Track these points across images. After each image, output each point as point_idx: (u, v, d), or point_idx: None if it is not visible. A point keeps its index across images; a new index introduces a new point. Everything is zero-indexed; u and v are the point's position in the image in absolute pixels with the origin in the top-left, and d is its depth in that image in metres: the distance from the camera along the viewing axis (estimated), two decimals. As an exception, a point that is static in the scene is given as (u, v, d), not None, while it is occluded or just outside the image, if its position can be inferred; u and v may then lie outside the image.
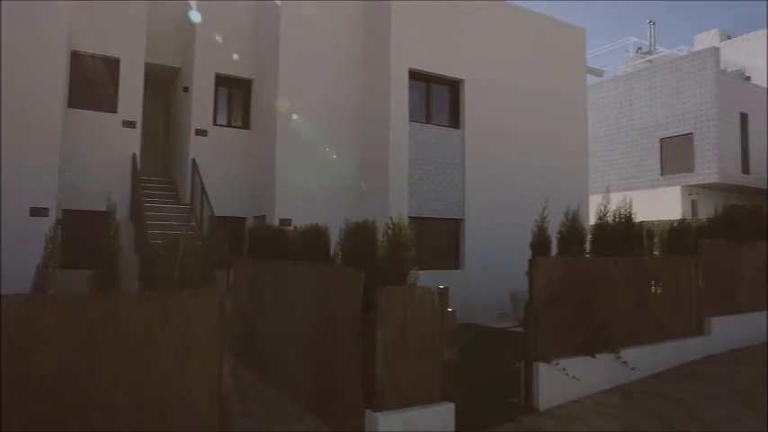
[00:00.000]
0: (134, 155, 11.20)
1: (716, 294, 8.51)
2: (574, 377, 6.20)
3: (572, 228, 6.64)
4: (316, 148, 11.41)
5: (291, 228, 8.13)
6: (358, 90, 11.92)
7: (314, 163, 11.39)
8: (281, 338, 6.74)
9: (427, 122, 12.11)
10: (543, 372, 6.08)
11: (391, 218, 5.35)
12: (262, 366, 7.22)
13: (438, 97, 12.41)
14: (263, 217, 11.45)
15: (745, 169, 21.11)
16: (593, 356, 6.51)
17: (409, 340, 4.98)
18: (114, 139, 11.10)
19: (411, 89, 11.56)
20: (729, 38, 30.99)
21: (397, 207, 10.12)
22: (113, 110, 11.21)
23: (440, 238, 11.95)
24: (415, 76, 11.68)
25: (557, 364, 6.15)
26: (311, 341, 5.93)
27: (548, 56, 14.01)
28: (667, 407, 6.06)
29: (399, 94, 11.27)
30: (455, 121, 12.45)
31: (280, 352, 6.76)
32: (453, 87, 12.49)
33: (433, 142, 11.93)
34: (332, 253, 6.12)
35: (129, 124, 11.25)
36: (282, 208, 11.00)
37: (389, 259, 5.10)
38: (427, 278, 5.47)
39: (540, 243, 6.39)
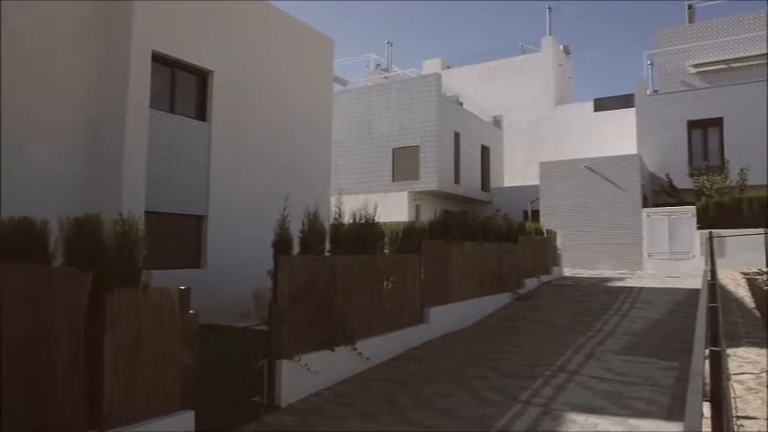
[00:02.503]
0: None
1: (434, 287, 9.79)
2: (315, 371, 6.46)
3: (313, 227, 6.90)
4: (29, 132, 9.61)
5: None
6: (90, 65, 10.42)
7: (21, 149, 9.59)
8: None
9: (171, 112, 11.28)
10: (286, 368, 6.18)
11: (120, 213, 4.82)
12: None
13: (185, 87, 11.66)
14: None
15: (457, 180, 24.84)
16: (332, 350, 6.87)
17: (145, 346, 4.55)
18: None
19: (155, 74, 10.59)
20: (449, 67, 36.15)
21: (133, 201, 9.18)
22: None
23: (181, 236, 11.26)
24: (159, 60, 10.76)
25: (299, 359, 6.33)
26: (22, 355, 4.97)
27: (299, 60, 14.36)
28: (395, 390, 6.73)
29: (140, 76, 10.21)
30: (202, 113, 11.86)
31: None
32: (202, 78, 11.89)
33: (177, 134, 11.18)
34: (51, 251, 5.23)
35: None
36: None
37: (121, 258, 4.59)
38: (167, 277, 5.09)
39: (281, 241, 6.46)
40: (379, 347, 7.99)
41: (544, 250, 16.93)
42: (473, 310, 11.17)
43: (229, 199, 11.99)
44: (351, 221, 8.00)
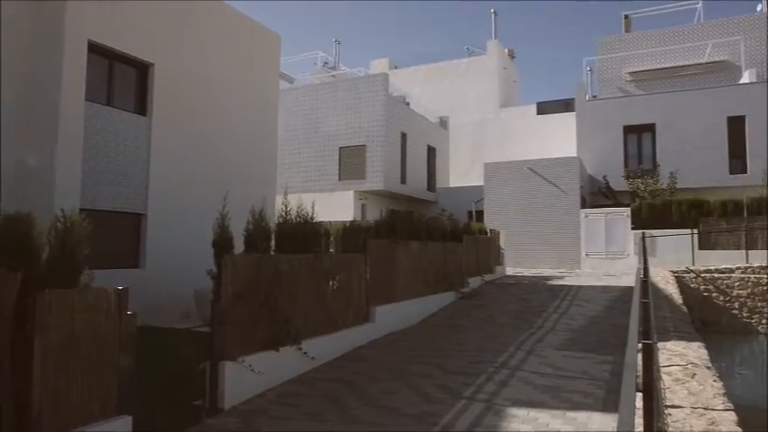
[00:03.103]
0: None
1: (380, 286, 9.83)
2: (259, 372, 6.36)
3: (258, 225, 6.79)
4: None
5: None
6: (22, 55, 9.85)
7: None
8: None
9: (108, 105, 10.81)
10: (229, 370, 6.06)
11: (63, 210, 4.60)
12: None
13: (124, 79, 11.20)
14: None
15: (403, 180, 25.02)
16: (277, 351, 6.79)
17: (78, 349, 4.35)
18: None
19: (91, 65, 10.12)
20: (396, 67, 36.37)
21: (67, 197, 8.77)
22: None
23: (118, 234, 10.81)
24: (96, 50, 10.29)
25: (242, 361, 6.21)
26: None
27: (245, 55, 14.08)
28: (340, 389, 6.71)
29: (75, 66, 9.73)
30: (142, 107, 11.42)
31: None
32: (142, 71, 11.45)
33: (115, 128, 10.73)
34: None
35: None
36: None
37: (58, 258, 4.37)
38: (103, 278, 4.88)
39: (222, 240, 6.31)
40: (324, 347, 7.95)
41: (488, 250, 17.29)
42: (418, 308, 11.29)
43: (171, 196, 11.61)
44: (297, 220, 7.92)
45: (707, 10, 38.29)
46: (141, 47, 11.17)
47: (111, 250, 10.24)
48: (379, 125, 23.18)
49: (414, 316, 11.02)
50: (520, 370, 7.48)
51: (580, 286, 15.52)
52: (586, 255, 21.55)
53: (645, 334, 3.29)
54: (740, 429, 4.57)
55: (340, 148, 23.90)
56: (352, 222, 9.84)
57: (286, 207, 7.69)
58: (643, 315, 3.67)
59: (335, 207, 22.27)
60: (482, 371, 7.43)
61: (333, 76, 31.47)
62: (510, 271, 20.03)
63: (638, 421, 3.08)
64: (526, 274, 19.67)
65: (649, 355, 2.76)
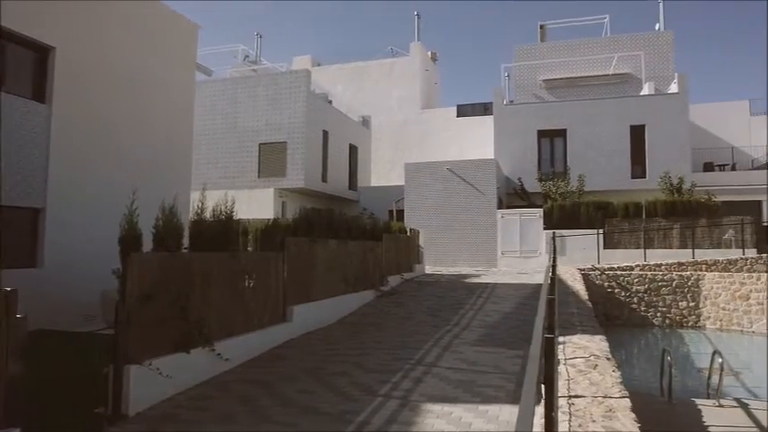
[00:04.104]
0: None
1: (298, 285, 9.69)
2: (168, 375, 6.07)
3: (169, 222, 6.49)
4: None
5: None
6: None
7: None
8: None
9: None
10: (135, 374, 5.74)
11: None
12: None
13: (19, 63, 10.34)
14: None
15: (324, 178, 24.88)
16: (188, 352, 6.51)
17: (-42, 358, 3.96)
18: None
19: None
20: (319, 65, 36.10)
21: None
22: None
23: (11, 230, 9.97)
24: (-14, 30, 9.44)
25: (150, 364, 5.90)
26: None
27: (160, 44, 13.41)
28: (255, 391, 6.54)
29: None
30: (40, 94, 10.58)
31: None
32: (41, 55, 10.62)
33: (8, 116, 9.89)
34: None
35: None
36: None
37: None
38: (-10, 279, 4.47)
39: (129, 238, 5.98)
40: (240, 347, 7.73)
41: (407, 248, 17.53)
42: (337, 307, 11.24)
43: (75, 190, 10.84)
44: (213, 217, 7.65)
45: (613, 24, 40.85)
46: (41, 29, 10.35)
47: (4, 248, 9.42)
48: (300, 122, 22.91)
49: (333, 315, 10.96)
50: (436, 366, 7.62)
51: (495, 284, 16.07)
52: (502, 253, 22.37)
53: (549, 328, 3.43)
54: (633, 414, 4.89)
55: (260, 144, 23.40)
56: (271, 220, 9.63)
57: (201, 204, 7.40)
58: (548, 310, 3.83)
59: (255, 205, 21.78)
60: (399, 368, 7.49)
61: (254, 70, 30.77)
62: (429, 269, 20.42)
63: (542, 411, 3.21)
64: (445, 272, 20.12)
65: (551, 348, 2.87)
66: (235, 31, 78.13)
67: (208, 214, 7.37)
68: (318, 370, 7.47)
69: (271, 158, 23.21)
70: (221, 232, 7.54)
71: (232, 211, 7.76)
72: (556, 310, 3.92)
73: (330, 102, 27.48)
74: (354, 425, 5.45)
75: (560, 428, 4.60)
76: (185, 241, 7.12)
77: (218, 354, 7.07)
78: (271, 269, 8.83)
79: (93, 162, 11.34)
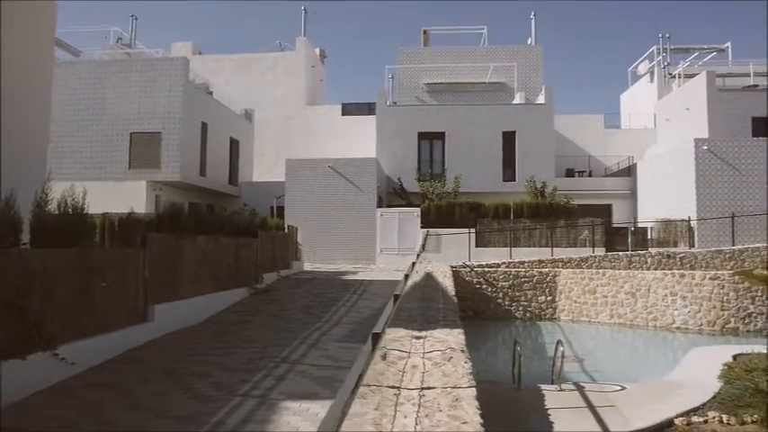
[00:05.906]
0: None
1: (161, 283, 9.25)
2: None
3: (3, 215, 5.93)
4: None
5: None
6: None
7: None
8: None
9: None
10: (-44, 383, 5.18)
11: None
12: None
13: None
14: None
15: (203, 172, 23.93)
16: (23, 359, 5.98)
17: None
18: None
19: None
20: (201, 53, 34.59)
21: None
22: None
23: None
24: None
25: (-29, 372, 5.35)
26: None
27: (6, 16, 12.08)
28: (103, 395, 6.17)
29: None
30: None
31: None
32: None
33: None
34: None
35: None
36: None
37: None
38: None
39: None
40: (92, 350, 7.25)
41: (285, 245, 17.37)
42: (206, 305, 10.89)
43: None
44: (65, 211, 7.09)
45: (490, 35, 43.27)
46: None
47: None
48: (176, 112, 21.83)
49: (201, 313, 10.60)
50: (300, 363, 7.65)
51: (371, 281, 16.41)
52: (381, 251, 22.88)
53: (386, 324, 3.59)
54: (476, 402, 5.27)
55: (131, 133, 21.97)
56: (129, 214, 9.09)
57: (45, 196, 6.83)
58: (393, 307, 4.01)
59: (125, 198, 20.36)
60: (263, 367, 7.42)
61: (127, 54, 28.81)
62: (308, 266, 20.39)
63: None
64: (323, 269, 20.20)
65: (376, 343, 3.03)
66: (111, 12, 72.48)
67: (53, 207, 6.81)
68: (177, 371, 7.20)
69: (143, 149, 21.86)
70: (70, 226, 7.00)
71: (82, 204, 7.23)
72: (396, 306, 4.11)
73: (211, 93, 26.46)
74: (209, 426, 5.34)
75: (409, 419, 4.85)
76: (26, 236, 6.54)
77: (63, 358, 6.57)
78: (129, 266, 8.35)
79: None
